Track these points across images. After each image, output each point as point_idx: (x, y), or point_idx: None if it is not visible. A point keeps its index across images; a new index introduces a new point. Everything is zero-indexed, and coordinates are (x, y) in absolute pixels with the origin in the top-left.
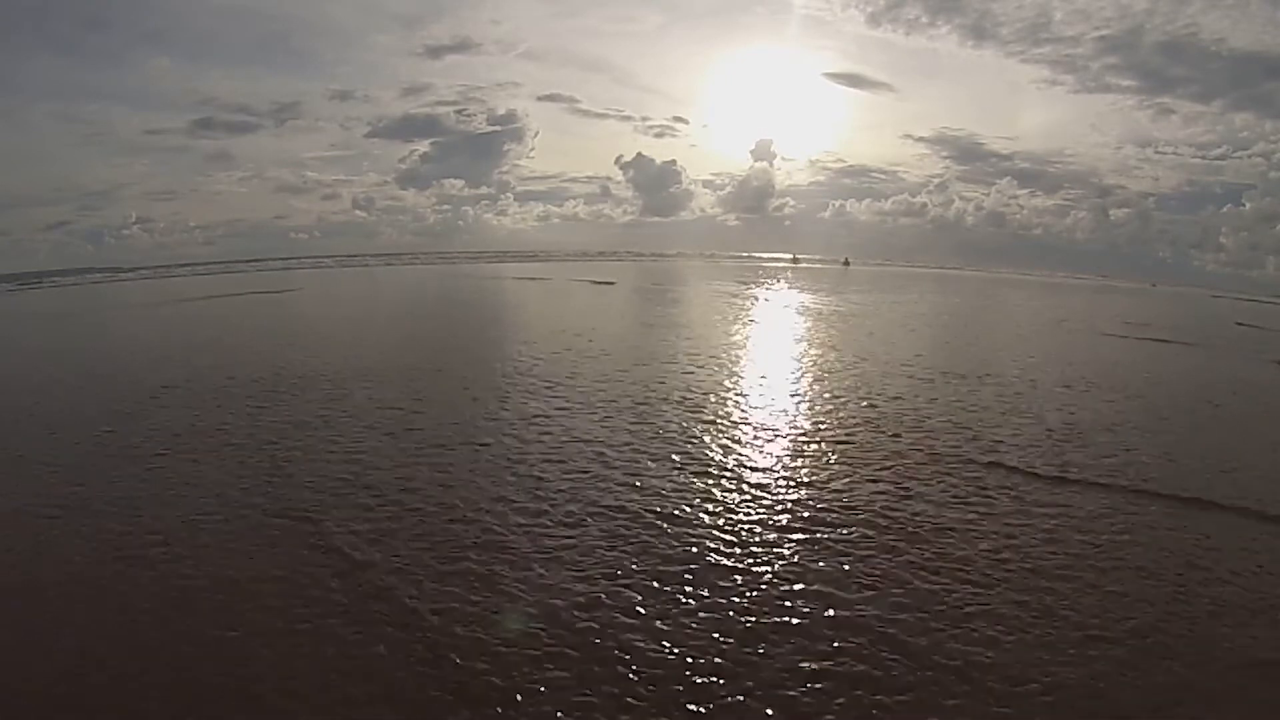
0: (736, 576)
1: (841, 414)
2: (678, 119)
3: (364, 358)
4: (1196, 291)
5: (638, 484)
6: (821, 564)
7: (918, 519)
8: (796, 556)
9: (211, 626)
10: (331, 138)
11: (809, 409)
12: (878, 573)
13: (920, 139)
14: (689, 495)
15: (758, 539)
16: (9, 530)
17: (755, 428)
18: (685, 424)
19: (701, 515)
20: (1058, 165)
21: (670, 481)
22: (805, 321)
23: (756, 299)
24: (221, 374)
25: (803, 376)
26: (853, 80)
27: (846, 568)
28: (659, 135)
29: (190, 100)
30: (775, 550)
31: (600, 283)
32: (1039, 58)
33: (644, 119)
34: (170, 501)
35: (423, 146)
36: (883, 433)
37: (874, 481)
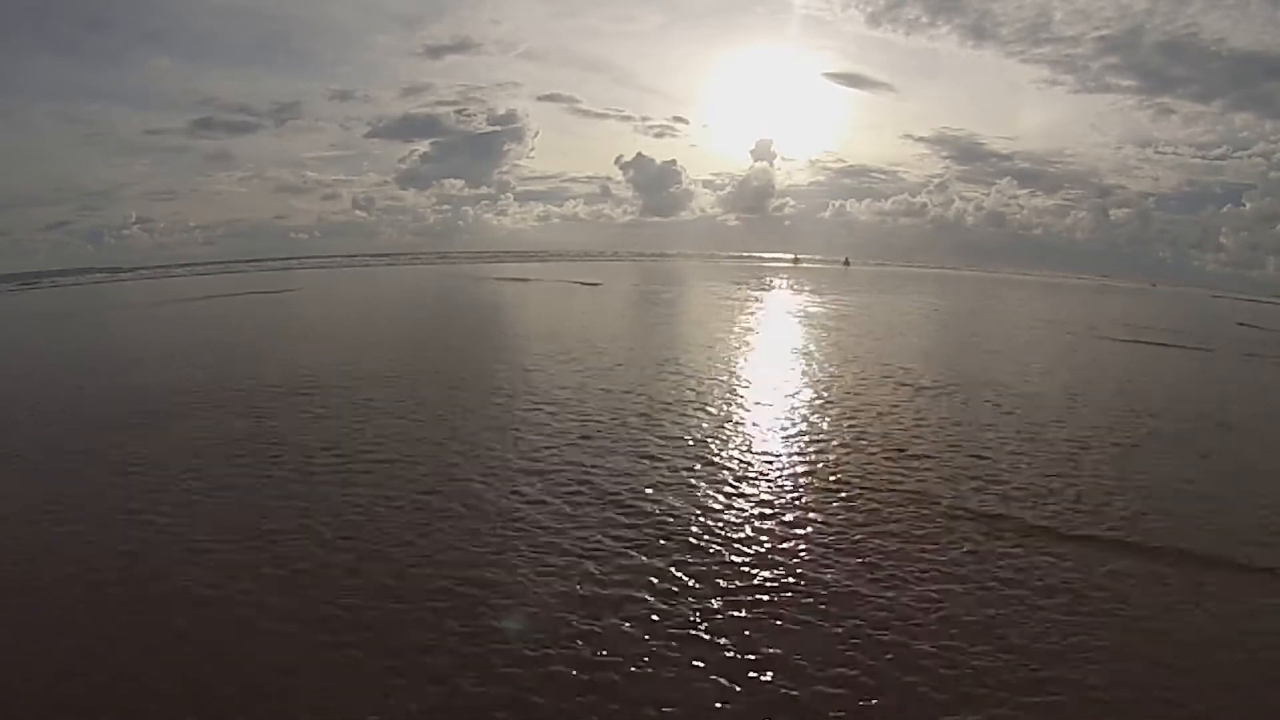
0: (665, 656)
1: (820, 438)
2: (678, 119)
3: (336, 362)
4: (1196, 291)
5: (571, 512)
6: (770, 643)
7: (899, 579)
8: (748, 635)
9: (211, 627)
10: (331, 138)
11: (784, 432)
12: (848, 660)
13: (920, 139)
14: (623, 538)
15: (702, 607)
16: (9, 530)
17: (720, 458)
18: (636, 447)
19: (637, 556)
20: (1058, 165)
21: (611, 516)
22: (797, 325)
23: (749, 300)
24: (214, 375)
25: (783, 391)
26: (853, 80)
27: (803, 652)
28: (659, 135)
29: (190, 100)
30: (722, 624)
31: (587, 284)
32: (1039, 58)
33: (644, 119)
34: (168, 501)
35: (423, 146)
36: (864, 461)
37: (849, 522)
